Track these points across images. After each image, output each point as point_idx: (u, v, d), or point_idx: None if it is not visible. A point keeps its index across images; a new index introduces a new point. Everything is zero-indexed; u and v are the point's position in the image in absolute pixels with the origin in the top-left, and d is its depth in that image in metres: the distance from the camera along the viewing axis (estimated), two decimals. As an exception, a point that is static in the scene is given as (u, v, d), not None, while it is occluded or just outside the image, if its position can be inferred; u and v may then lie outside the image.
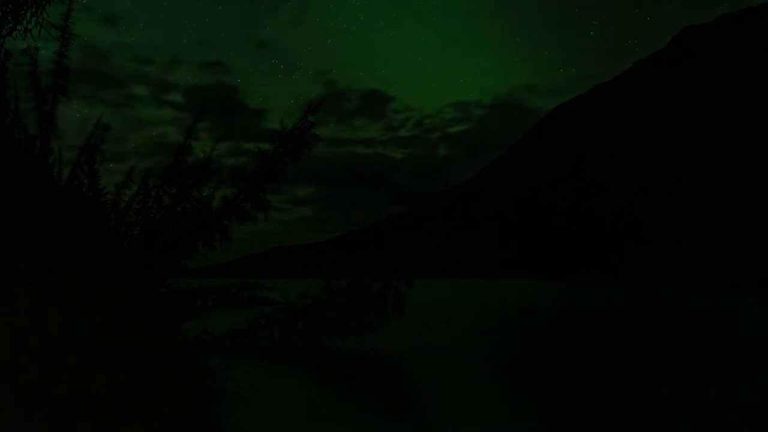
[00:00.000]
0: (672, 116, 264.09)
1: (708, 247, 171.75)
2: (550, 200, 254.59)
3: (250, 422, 5.10)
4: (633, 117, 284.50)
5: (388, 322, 10.73)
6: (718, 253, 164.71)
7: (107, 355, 3.38)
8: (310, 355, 10.06)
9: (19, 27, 5.40)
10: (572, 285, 62.66)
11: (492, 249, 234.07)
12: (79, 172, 6.43)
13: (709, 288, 47.22)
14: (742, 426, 5.08)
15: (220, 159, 7.06)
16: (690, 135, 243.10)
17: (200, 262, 6.73)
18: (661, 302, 26.77)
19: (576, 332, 13.46)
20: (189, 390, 3.88)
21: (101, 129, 6.93)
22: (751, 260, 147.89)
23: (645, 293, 37.75)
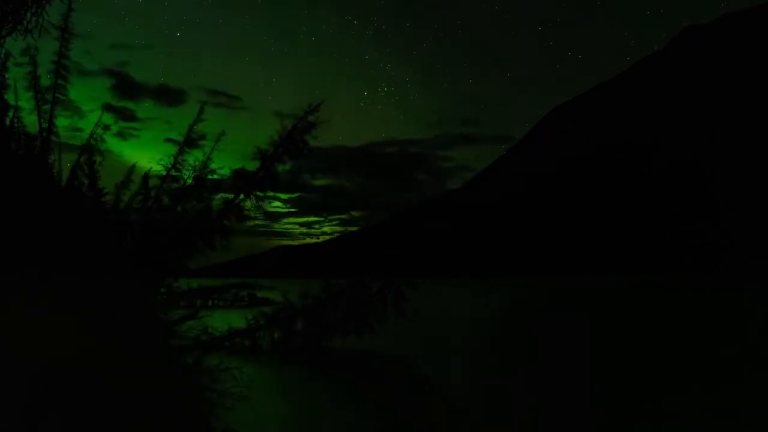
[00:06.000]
0: (672, 116, 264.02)
1: (710, 248, 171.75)
2: (551, 199, 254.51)
3: (250, 422, 5.10)
4: (632, 117, 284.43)
5: (388, 322, 10.72)
6: (717, 253, 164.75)
7: (107, 355, 3.38)
8: (310, 355, 10.05)
9: (19, 27, 5.40)
10: (580, 284, 62.74)
11: (492, 249, 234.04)
12: (79, 172, 6.43)
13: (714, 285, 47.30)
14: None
15: (220, 159, 7.06)
16: (689, 134, 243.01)
17: (200, 262, 6.73)
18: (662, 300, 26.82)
19: (580, 334, 13.46)
20: (189, 389, 3.88)
21: (101, 129, 6.93)
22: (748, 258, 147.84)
23: (645, 292, 37.76)
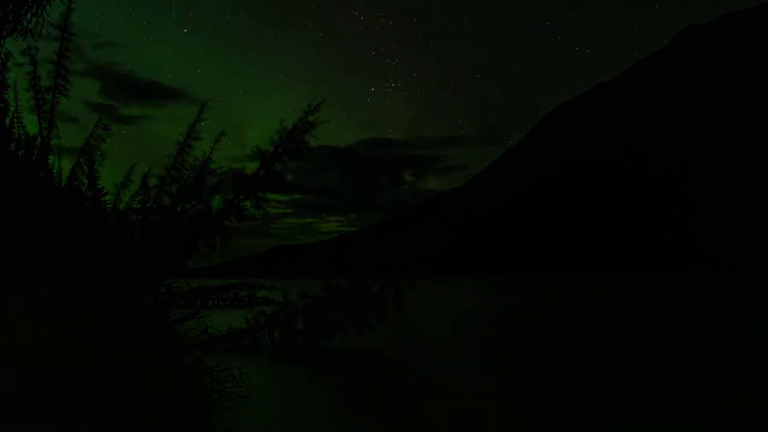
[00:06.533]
0: (672, 116, 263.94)
1: (710, 248, 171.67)
2: (551, 199, 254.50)
3: (250, 422, 5.10)
4: (633, 117, 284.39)
5: (388, 322, 10.72)
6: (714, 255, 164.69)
7: (107, 355, 3.38)
8: (310, 355, 10.05)
9: (19, 27, 5.40)
10: (581, 284, 62.76)
11: (493, 249, 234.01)
12: (79, 172, 6.42)
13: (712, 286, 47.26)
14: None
15: (221, 158, 7.05)
16: (689, 134, 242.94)
17: (200, 262, 6.73)
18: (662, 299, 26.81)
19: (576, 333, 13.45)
20: (189, 390, 3.88)
21: (101, 129, 6.92)
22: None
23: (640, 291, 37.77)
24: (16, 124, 5.98)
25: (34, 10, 5.26)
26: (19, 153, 5.74)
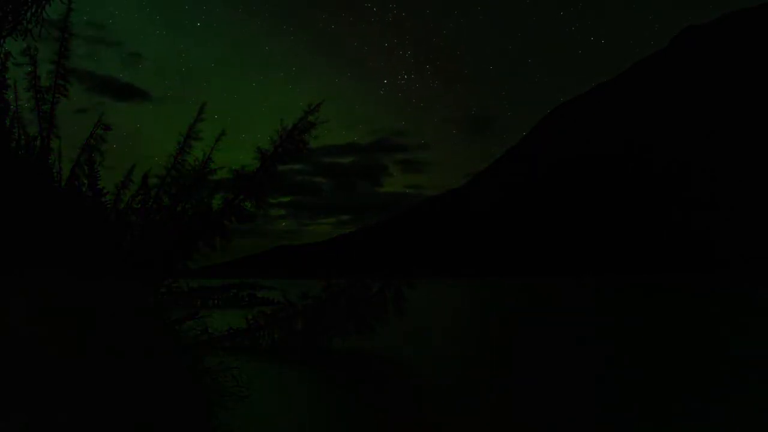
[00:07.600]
0: (672, 116, 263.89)
1: (710, 248, 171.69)
2: (551, 199, 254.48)
3: (250, 422, 5.10)
4: (633, 117, 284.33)
5: (388, 322, 10.72)
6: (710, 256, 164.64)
7: (107, 356, 3.38)
8: (310, 355, 10.06)
9: (19, 27, 5.39)
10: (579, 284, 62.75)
11: (492, 248, 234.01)
12: (79, 172, 6.41)
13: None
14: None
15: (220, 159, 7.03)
16: (689, 134, 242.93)
17: (200, 262, 6.72)
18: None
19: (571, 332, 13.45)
20: (189, 390, 3.88)
21: (102, 128, 6.91)
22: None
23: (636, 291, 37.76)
24: (16, 124, 5.97)
25: (34, 10, 5.25)
26: (19, 153, 5.73)
